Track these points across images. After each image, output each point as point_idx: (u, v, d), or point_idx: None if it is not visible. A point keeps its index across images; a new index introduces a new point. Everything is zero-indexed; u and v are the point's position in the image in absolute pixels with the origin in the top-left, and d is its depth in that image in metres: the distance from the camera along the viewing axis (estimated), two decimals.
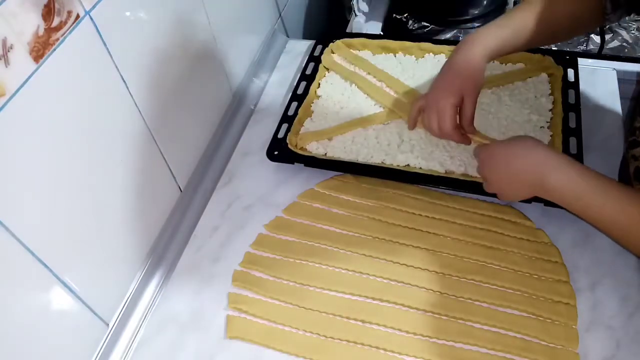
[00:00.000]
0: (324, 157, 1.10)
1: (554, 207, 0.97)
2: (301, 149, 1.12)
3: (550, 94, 1.14)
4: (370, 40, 1.33)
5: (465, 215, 1.03)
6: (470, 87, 1.00)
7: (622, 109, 1.15)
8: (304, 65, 1.31)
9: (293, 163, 1.11)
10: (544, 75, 1.19)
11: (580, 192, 0.84)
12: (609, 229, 0.84)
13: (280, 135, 1.14)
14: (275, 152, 1.12)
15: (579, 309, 0.90)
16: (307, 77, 1.27)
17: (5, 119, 0.64)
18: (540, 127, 1.09)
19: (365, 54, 1.31)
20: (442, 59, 1.26)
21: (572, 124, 1.07)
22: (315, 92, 1.24)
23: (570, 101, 1.11)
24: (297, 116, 1.17)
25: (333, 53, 1.32)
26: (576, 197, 0.84)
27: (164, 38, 0.95)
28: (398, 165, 1.07)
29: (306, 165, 1.10)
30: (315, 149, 1.13)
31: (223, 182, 1.15)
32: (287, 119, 1.18)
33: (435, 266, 0.96)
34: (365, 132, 1.14)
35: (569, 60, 1.19)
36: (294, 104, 1.21)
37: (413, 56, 1.29)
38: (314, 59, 1.31)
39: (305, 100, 1.21)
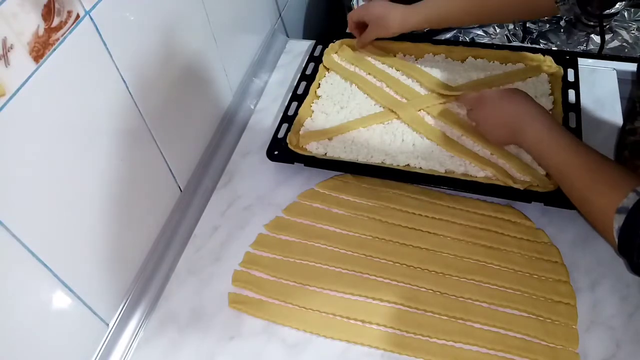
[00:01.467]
0: (324, 157, 1.10)
1: (554, 207, 0.97)
2: (301, 148, 1.12)
3: (550, 94, 1.14)
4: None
5: (465, 215, 1.03)
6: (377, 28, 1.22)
7: (622, 109, 1.15)
8: (304, 65, 1.31)
9: (293, 163, 1.11)
10: (544, 75, 1.19)
11: (552, 152, 0.90)
12: (573, 196, 0.87)
13: (280, 135, 1.14)
14: (275, 152, 1.12)
15: (579, 309, 0.90)
16: (307, 77, 1.27)
17: (5, 119, 0.64)
18: None
19: (365, 54, 1.31)
20: (441, 59, 1.27)
21: (572, 123, 1.07)
22: (316, 92, 1.24)
23: (570, 101, 1.11)
24: (297, 116, 1.17)
25: (334, 53, 1.32)
26: (547, 155, 0.91)
27: (164, 38, 0.94)
28: (398, 165, 1.07)
29: (306, 165, 1.10)
30: (315, 148, 1.13)
31: (223, 182, 1.15)
32: (287, 118, 1.18)
33: (436, 266, 0.96)
34: (366, 132, 1.14)
35: (569, 60, 1.19)
36: (294, 104, 1.21)
37: (412, 56, 1.29)
38: (314, 59, 1.31)
39: (305, 100, 1.21)
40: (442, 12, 1.14)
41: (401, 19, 1.17)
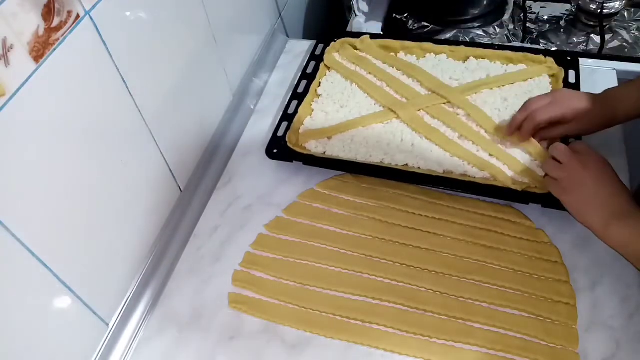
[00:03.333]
0: (322, 156, 1.10)
1: (554, 209, 0.97)
2: (300, 147, 1.12)
3: None
4: (371, 39, 1.32)
5: (465, 215, 1.03)
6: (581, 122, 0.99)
7: None
8: (304, 65, 1.30)
9: (292, 161, 1.11)
10: (545, 77, 1.18)
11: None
12: None
13: (280, 133, 1.15)
14: (275, 150, 1.12)
15: (579, 309, 0.90)
16: (308, 76, 1.27)
17: (5, 119, 0.64)
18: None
19: (367, 53, 1.31)
20: (442, 58, 1.26)
21: None
22: (316, 90, 1.24)
23: None
24: (297, 114, 1.17)
25: (335, 52, 1.32)
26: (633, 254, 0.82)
27: (164, 38, 0.94)
28: (397, 165, 1.07)
29: (305, 163, 1.10)
30: (314, 147, 1.13)
31: (223, 182, 1.15)
32: (287, 117, 1.18)
33: (435, 266, 0.96)
34: (365, 132, 1.14)
35: (570, 61, 1.19)
36: (294, 103, 1.21)
37: (414, 56, 1.28)
38: (315, 58, 1.31)
39: (305, 99, 1.21)
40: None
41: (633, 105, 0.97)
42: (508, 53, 1.24)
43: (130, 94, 0.87)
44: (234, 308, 0.95)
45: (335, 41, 1.33)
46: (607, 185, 0.85)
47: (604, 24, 1.39)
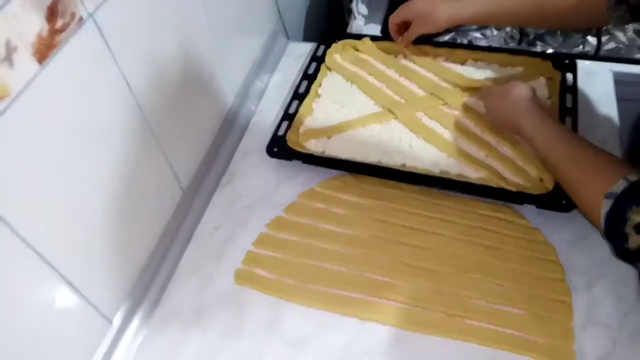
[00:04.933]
0: (322, 155, 1.11)
1: (548, 210, 0.97)
2: (300, 146, 1.12)
3: (548, 98, 1.14)
4: (373, 41, 1.33)
5: (463, 214, 1.03)
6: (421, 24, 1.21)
7: (619, 111, 1.15)
8: (305, 66, 1.31)
9: (291, 160, 1.11)
10: (542, 80, 1.18)
11: (546, 146, 0.93)
12: (565, 183, 0.90)
13: (281, 132, 1.15)
14: (275, 149, 1.12)
15: (575, 308, 0.89)
16: (309, 77, 1.27)
17: (10, 120, 0.64)
18: None
19: (367, 55, 1.31)
20: (441, 61, 1.27)
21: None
22: (317, 91, 1.24)
23: (567, 105, 1.11)
24: (298, 114, 1.18)
25: (336, 54, 1.32)
26: (541, 148, 0.94)
27: (166, 40, 0.95)
28: (394, 165, 1.07)
29: (304, 162, 1.10)
30: (314, 146, 1.13)
31: (225, 182, 1.15)
32: (287, 116, 1.18)
33: (434, 264, 0.96)
34: (364, 131, 1.14)
35: (567, 64, 1.19)
36: (295, 102, 1.21)
37: (413, 58, 1.28)
38: (317, 59, 1.31)
39: (306, 99, 1.21)
40: (493, 9, 1.12)
41: (450, 13, 1.15)
42: (506, 56, 1.24)
43: (132, 94, 0.87)
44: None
45: (336, 43, 1.33)
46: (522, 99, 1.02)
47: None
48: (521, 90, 1.02)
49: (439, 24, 1.18)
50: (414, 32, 1.23)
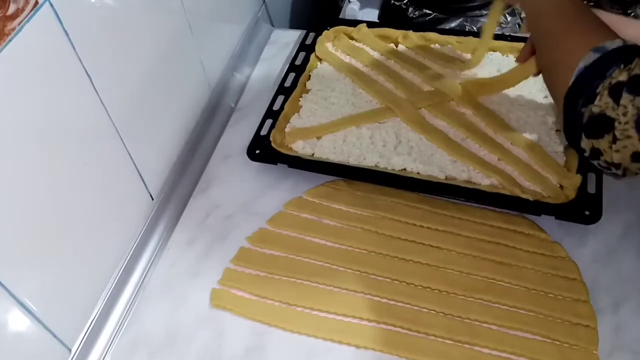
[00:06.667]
0: (310, 158, 1.11)
1: (569, 221, 0.97)
2: (286, 147, 1.12)
3: None
4: (369, 28, 1.33)
5: (472, 226, 1.03)
6: None
7: None
8: (292, 57, 1.31)
9: (276, 163, 1.11)
10: None
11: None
12: (547, 42, 0.86)
13: (264, 132, 1.15)
14: (257, 151, 1.12)
15: (600, 332, 0.90)
16: (297, 68, 1.27)
17: None
18: (557, 131, 1.09)
19: (363, 44, 1.32)
20: (448, 50, 1.27)
21: None
22: (305, 85, 1.25)
23: None
24: (283, 111, 1.18)
25: (328, 42, 1.32)
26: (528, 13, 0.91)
27: (133, 27, 0.95)
28: (393, 169, 1.07)
29: (290, 166, 1.10)
30: (301, 148, 1.13)
31: (200, 188, 1.15)
32: (271, 114, 1.18)
33: (439, 284, 0.96)
34: (359, 131, 1.14)
35: None
36: (281, 98, 1.21)
37: (416, 47, 1.29)
38: (305, 48, 1.31)
39: (292, 94, 1.21)
40: None
41: None
42: (522, 45, 1.24)
43: (95, 89, 0.87)
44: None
45: (328, 30, 1.33)
46: None
47: (629, 10, 1.40)
48: None
49: None
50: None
